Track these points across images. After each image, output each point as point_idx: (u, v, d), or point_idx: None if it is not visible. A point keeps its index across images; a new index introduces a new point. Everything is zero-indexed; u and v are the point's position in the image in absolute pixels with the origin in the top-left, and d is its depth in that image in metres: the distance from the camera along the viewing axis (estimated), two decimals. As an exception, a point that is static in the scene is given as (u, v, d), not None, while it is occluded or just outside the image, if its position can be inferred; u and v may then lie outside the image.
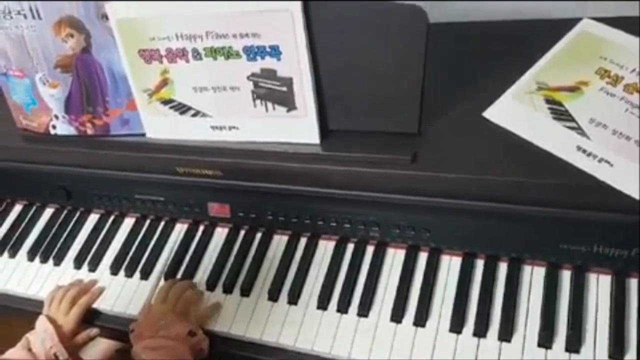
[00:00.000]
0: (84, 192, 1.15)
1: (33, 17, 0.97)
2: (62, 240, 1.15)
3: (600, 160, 0.76)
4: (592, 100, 0.82)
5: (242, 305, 0.96)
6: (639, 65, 0.83)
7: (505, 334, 0.82)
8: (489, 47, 0.96)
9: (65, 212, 1.20)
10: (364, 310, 0.90)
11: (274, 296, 0.95)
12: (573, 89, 0.83)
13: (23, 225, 1.20)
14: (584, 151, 0.78)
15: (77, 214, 1.18)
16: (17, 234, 1.18)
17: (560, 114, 0.82)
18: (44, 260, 1.13)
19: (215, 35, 0.88)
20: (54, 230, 1.17)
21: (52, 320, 1.00)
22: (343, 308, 0.91)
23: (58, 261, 1.12)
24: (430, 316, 0.87)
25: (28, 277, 1.11)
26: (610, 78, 0.83)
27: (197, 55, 0.90)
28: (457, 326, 0.85)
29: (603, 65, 0.84)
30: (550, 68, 0.87)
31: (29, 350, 0.95)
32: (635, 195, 0.73)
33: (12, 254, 1.15)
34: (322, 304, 0.92)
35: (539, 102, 0.84)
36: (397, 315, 0.88)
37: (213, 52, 0.89)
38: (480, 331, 0.84)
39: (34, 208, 1.22)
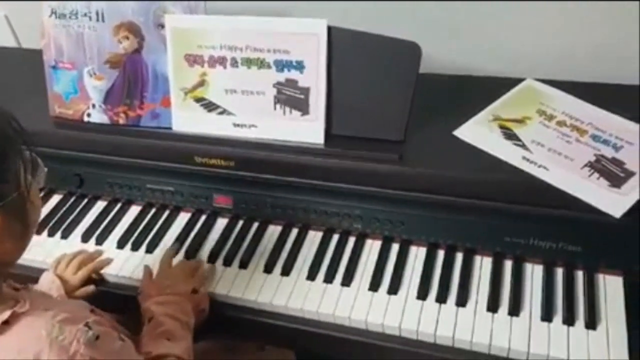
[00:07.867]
0: (97, 179, 1.29)
1: (97, 19, 1.17)
2: (70, 219, 1.27)
3: (539, 166, 1.02)
4: (533, 129, 1.10)
5: (240, 275, 1.12)
6: (566, 109, 1.13)
7: (462, 300, 1.02)
8: (463, 90, 1.25)
9: (73, 198, 1.32)
10: (347, 280, 1.08)
11: (268, 269, 1.12)
12: (519, 121, 1.12)
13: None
14: (528, 160, 1.04)
15: (85, 201, 1.31)
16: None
17: (510, 136, 1.09)
18: (52, 234, 1.24)
19: (253, 48, 1.11)
20: (62, 211, 1.29)
21: (59, 277, 1.09)
22: (329, 279, 1.08)
23: (66, 235, 1.24)
24: (402, 286, 1.06)
25: (35, 247, 1.19)
26: (546, 116, 1.12)
27: (234, 63, 1.13)
28: (423, 293, 1.04)
29: (541, 108, 1.14)
30: (503, 107, 1.16)
31: None
32: (566, 189, 0.98)
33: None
34: (311, 275, 1.10)
35: (494, 127, 1.11)
36: (374, 284, 1.07)
37: (248, 62, 1.12)
38: (442, 297, 1.03)
39: (42, 193, 1.34)
